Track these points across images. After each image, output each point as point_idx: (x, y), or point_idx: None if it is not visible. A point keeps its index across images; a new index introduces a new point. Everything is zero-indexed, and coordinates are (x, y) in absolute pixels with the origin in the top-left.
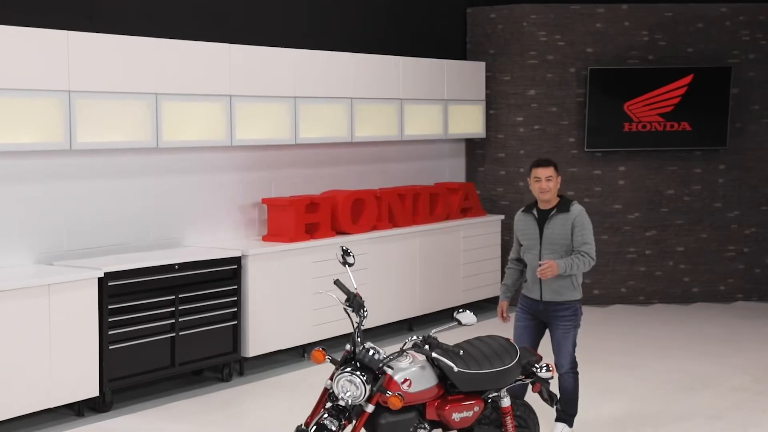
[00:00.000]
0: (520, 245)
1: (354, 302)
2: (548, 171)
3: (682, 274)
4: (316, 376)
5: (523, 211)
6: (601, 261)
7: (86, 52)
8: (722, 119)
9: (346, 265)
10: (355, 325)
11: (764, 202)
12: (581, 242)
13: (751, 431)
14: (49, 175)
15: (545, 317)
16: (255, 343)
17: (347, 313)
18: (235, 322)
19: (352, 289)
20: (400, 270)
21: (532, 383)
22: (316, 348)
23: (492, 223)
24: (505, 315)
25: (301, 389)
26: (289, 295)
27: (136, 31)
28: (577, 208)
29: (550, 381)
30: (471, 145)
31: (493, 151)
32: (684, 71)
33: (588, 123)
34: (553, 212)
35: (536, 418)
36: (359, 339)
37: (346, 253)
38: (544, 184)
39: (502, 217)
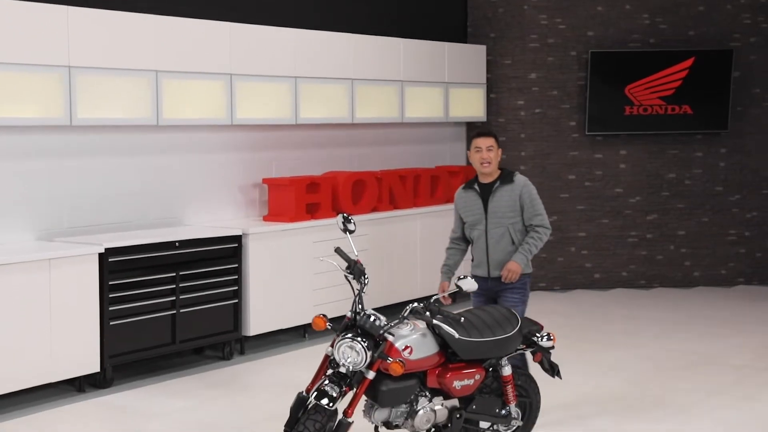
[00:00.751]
0: (463, 223)
1: (355, 269)
2: (489, 141)
3: (683, 258)
4: (317, 354)
5: (463, 187)
6: (602, 245)
7: (86, 27)
8: (723, 103)
9: (347, 232)
10: (356, 292)
11: (765, 186)
12: (533, 214)
13: (753, 405)
14: (50, 152)
15: (494, 294)
16: (256, 322)
17: (348, 280)
18: (236, 301)
19: (352, 257)
20: (401, 251)
21: (533, 352)
22: (317, 315)
23: None
24: (446, 296)
25: (302, 367)
26: (289, 275)
27: (137, 8)
28: (521, 178)
29: (551, 351)
30: (472, 129)
31: None
32: (685, 54)
33: (589, 106)
34: (497, 185)
35: (537, 387)
36: (360, 306)
37: (346, 220)
38: (485, 154)
39: None
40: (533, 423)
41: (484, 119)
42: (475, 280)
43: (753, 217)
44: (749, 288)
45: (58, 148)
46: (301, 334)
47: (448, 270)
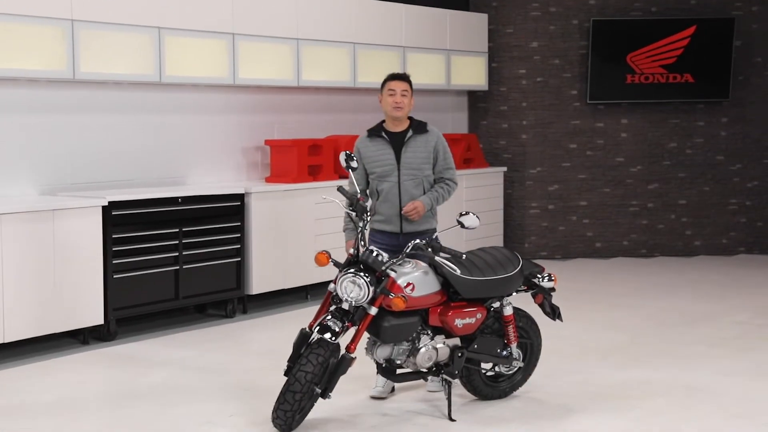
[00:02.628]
0: (368, 175)
1: (357, 206)
2: (404, 85)
3: (684, 228)
4: None
5: (368, 136)
6: (604, 213)
7: None
8: (725, 72)
9: (350, 170)
10: (359, 229)
11: (766, 155)
12: (444, 167)
13: (753, 356)
14: (53, 107)
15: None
16: (258, 281)
17: (350, 217)
18: (239, 259)
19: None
20: None
21: (534, 294)
22: (320, 251)
23: (494, 175)
24: (351, 251)
25: (304, 325)
26: (292, 236)
27: None
28: (435, 129)
29: (552, 293)
30: (473, 98)
31: (496, 104)
32: (687, 22)
33: (590, 75)
34: (410, 134)
35: (538, 330)
36: (363, 242)
37: (349, 157)
38: (399, 98)
39: (505, 169)
40: (534, 365)
41: (486, 88)
42: (382, 237)
43: (754, 187)
44: (750, 257)
45: (61, 102)
46: (303, 296)
47: (354, 228)
